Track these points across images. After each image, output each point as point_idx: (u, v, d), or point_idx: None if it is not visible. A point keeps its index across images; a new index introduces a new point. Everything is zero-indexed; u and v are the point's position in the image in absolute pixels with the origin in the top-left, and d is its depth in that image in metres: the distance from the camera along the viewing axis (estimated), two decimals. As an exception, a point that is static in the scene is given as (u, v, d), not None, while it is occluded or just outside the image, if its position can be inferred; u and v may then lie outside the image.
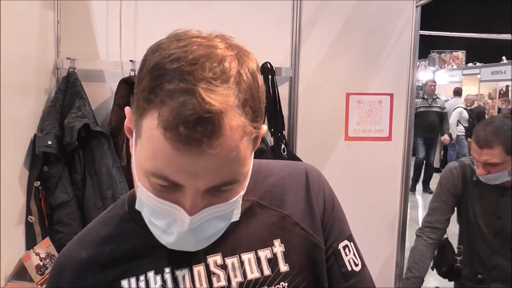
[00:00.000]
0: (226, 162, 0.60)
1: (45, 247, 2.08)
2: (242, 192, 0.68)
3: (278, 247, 0.76)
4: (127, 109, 0.70)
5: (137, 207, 0.68)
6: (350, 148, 2.67)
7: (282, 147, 2.38)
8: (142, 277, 0.73)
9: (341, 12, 2.61)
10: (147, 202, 0.65)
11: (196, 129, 0.56)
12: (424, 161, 8.08)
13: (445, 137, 7.95)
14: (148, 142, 0.60)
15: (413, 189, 7.99)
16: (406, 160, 2.70)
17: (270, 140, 2.46)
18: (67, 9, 2.42)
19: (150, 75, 0.59)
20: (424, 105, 7.80)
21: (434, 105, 7.83)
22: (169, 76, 0.58)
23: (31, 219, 2.13)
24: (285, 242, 0.77)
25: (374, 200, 2.70)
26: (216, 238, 0.70)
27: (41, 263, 2.01)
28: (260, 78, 0.65)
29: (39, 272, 1.99)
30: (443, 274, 2.20)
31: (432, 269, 2.23)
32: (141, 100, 0.60)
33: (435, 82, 8.29)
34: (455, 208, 2.14)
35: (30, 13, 2.19)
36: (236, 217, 0.69)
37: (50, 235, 2.16)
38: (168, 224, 0.65)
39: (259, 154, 2.34)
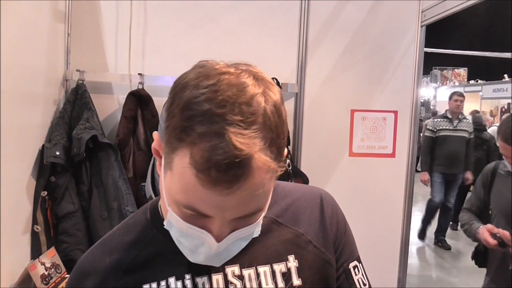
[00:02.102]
0: (253, 197, 0.64)
1: (50, 256, 2.09)
2: (264, 214, 0.72)
3: (292, 262, 0.81)
4: (155, 134, 0.74)
5: (166, 227, 0.71)
6: (354, 164, 2.70)
7: (287, 162, 2.40)
8: (163, 283, 0.77)
9: (346, 30, 2.65)
10: (176, 225, 0.69)
11: (227, 173, 0.59)
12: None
13: (468, 176, 5.61)
14: (180, 178, 0.63)
15: (422, 236, 6.15)
16: (410, 177, 2.72)
17: (275, 155, 2.48)
18: (77, 22, 2.46)
19: (181, 114, 0.62)
20: (447, 127, 5.52)
21: (460, 128, 5.54)
22: (200, 117, 0.60)
23: (37, 229, 2.14)
24: (299, 258, 0.81)
25: (377, 216, 2.71)
26: (237, 252, 0.74)
27: (46, 273, 2.02)
28: (284, 110, 0.67)
29: (44, 282, 1.99)
30: (472, 257, 2.30)
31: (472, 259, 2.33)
32: (172, 137, 0.63)
33: (463, 97, 5.66)
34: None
35: (41, 24, 2.23)
36: (256, 234, 0.73)
37: (55, 245, 2.18)
38: (196, 246, 0.69)
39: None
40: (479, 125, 6.45)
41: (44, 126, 2.26)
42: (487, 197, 2.24)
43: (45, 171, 2.17)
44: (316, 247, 0.83)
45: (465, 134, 5.53)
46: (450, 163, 5.51)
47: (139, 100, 2.39)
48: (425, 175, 5.64)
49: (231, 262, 0.77)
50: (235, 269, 0.78)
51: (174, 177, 0.64)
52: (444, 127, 5.53)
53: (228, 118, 0.59)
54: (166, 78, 2.45)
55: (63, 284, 2.07)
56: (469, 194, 3.73)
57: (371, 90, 2.70)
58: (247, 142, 0.59)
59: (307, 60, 2.62)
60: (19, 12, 1.95)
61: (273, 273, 0.79)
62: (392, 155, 2.71)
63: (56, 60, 2.38)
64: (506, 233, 1.96)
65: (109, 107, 2.51)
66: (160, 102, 2.35)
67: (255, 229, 0.72)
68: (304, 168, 2.60)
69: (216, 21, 2.55)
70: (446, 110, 5.75)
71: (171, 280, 0.77)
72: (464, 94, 6.00)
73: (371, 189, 2.71)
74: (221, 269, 0.78)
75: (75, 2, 2.43)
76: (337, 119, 2.68)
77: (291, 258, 0.81)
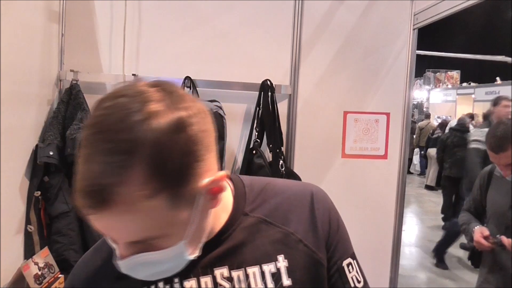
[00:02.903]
0: (129, 225, 0.63)
1: (43, 256, 2.09)
2: (184, 241, 0.69)
3: (282, 262, 0.80)
4: None
5: None
6: (347, 165, 2.72)
7: (280, 163, 2.41)
8: (152, 286, 0.78)
9: (340, 32, 2.67)
10: None
11: (87, 199, 0.60)
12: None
13: None
14: None
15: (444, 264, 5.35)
16: (402, 178, 2.74)
17: (269, 156, 2.50)
18: (72, 22, 2.46)
19: (81, 136, 0.65)
20: None
21: None
22: (82, 142, 0.62)
23: (30, 229, 2.14)
24: (289, 258, 0.80)
25: (369, 217, 2.73)
26: (176, 271, 0.73)
27: (39, 273, 2.02)
28: (183, 137, 0.63)
29: (38, 282, 2.00)
30: (468, 258, 2.38)
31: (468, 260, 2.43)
32: None
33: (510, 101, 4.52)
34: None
35: (35, 25, 2.23)
36: (191, 257, 0.72)
37: (48, 245, 2.18)
38: (115, 256, 0.70)
39: (258, 169, 2.38)
40: (462, 127, 6.53)
41: (38, 126, 2.26)
42: (483, 199, 2.27)
43: (39, 171, 2.17)
44: (306, 246, 0.82)
45: None
46: None
47: (133, 101, 2.39)
48: None
49: (219, 264, 0.78)
50: (224, 271, 0.78)
51: None
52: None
53: (99, 145, 0.59)
54: (161, 79, 2.45)
55: (56, 284, 2.08)
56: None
57: (364, 92, 2.72)
58: (111, 171, 0.59)
59: (300, 62, 2.64)
60: (13, 12, 1.96)
61: (263, 273, 0.78)
62: (384, 156, 2.74)
63: (50, 60, 2.38)
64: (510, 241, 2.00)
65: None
66: (154, 103, 2.35)
67: (180, 253, 0.70)
68: (297, 169, 2.61)
69: (210, 23, 2.57)
70: (491, 118, 4.65)
71: (160, 284, 0.78)
72: (457, 96, 5.73)
73: (363, 190, 2.73)
74: (209, 272, 0.78)
75: (69, 3, 2.44)
76: (330, 121, 2.70)
77: (280, 258, 0.80)
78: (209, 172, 0.69)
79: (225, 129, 2.26)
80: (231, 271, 0.78)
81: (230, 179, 0.87)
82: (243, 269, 0.78)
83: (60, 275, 2.13)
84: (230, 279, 0.78)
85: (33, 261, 2.02)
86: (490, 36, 16.68)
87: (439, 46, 13.85)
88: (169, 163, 0.61)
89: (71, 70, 2.39)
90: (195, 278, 0.77)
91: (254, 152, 2.45)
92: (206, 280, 0.77)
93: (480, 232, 2.11)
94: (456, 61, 14.66)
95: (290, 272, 0.79)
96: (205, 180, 0.68)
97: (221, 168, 2.21)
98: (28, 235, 2.16)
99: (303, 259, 0.81)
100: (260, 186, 0.88)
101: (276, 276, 0.79)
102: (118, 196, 0.59)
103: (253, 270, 0.78)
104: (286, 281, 0.79)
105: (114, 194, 0.59)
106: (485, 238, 2.09)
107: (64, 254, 2.20)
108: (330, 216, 0.87)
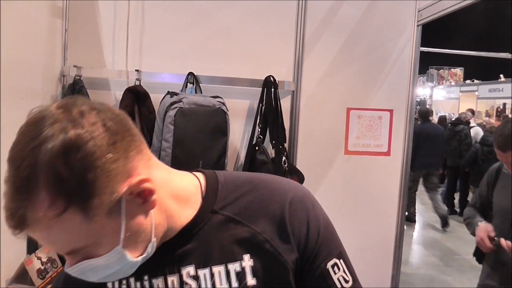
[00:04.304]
0: (53, 240, 0.67)
1: (46, 251, 2.10)
2: (119, 246, 0.70)
3: (247, 262, 0.80)
4: None
5: None
6: (350, 162, 2.71)
7: (283, 159, 2.41)
8: (124, 281, 0.81)
9: (343, 28, 2.66)
10: None
11: (7, 222, 0.64)
12: None
13: None
14: None
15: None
16: (405, 175, 2.74)
17: (272, 152, 2.50)
18: (75, 18, 2.46)
19: None
20: None
21: None
22: None
23: (34, 224, 2.15)
24: (254, 258, 0.80)
25: (372, 214, 2.73)
26: (130, 272, 0.75)
27: (42, 267, 2.03)
28: (83, 149, 0.63)
29: (40, 276, 2.00)
30: (473, 254, 2.34)
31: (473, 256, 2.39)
32: None
33: None
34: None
35: (39, 20, 2.23)
36: (138, 259, 0.73)
37: (51, 240, 2.18)
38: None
39: (261, 165, 2.38)
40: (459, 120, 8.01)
41: (41, 122, 2.26)
42: (490, 195, 2.27)
43: (42, 166, 2.17)
44: (272, 247, 0.80)
45: None
46: None
47: (136, 96, 2.39)
48: None
49: (186, 262, 0.79)
50: (191, 269, 0.79)
51: None
52: None
53: (10, 171, 0.63)
54: (163, 75, 2.46)
55: (59, 278, 2.08)
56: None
57: (367, 88, 2.71)
58: (18, 197, 0.63)
59: (303, 59, 2.64)
60: (18, 8, 1.96)
61: (228, 272, 0.79)
62: (387, 153, 2.73)
63: (53, 56, 2.38)
64: (509, 244, 1.99)
65: (106, 103, 2.51)
66: (157, 98, 2.35)
67: (116, 258, 0.70)
68: (299, 165, 2.61)
69: (214, 19, 2.56)
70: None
71: (131, 280, 0.81)
72: (460, 94, 5.83)
73: (366, 187, 2.73)
74: (176, 270, 0.79)
75: (73, -2, 2.44)
76: (333, 117, 2.70)
77: (246, 257, 0.80)
78: (131, 178, 0.69)
79: (228, 125, 2.26)
80: (198, 269, 0.79)
81: (204, 174, 0.87)
82: (209, 267, 0.79)
83: (63, 270, 2.13)
84: (196, 277, 0.79)
85: (36, 256, 2.03)
86: (494, 33, 16.63)
87: (442, 43, 13.80)
88: (69, 182, 0.62)
89: (75, 66, 2.39)
90: (162, 277, 0.79)
91: (257, 148, 2.45)
92: (173, 278, 0.79)
93: (485, 230, 2.11)
94: (460, 58, 14.58)
95: (255, 271, 0.79)
96: (124, 187, 0.67)
97: (224, 164, 2.23)
98: (31, 230, 2.16)
99: (269, 259, 0.80)
100: (235, 182, 0.86)
101: (241, 275, 0.79)
102: (30, 219, 0.63)
103: (218, 269, 0.79)
104: (251, 280, 0.79)
105: (26, 218, 0.63)
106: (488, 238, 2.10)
107: (67, 249, 2.20)
108: (309, 219, 0.83)
